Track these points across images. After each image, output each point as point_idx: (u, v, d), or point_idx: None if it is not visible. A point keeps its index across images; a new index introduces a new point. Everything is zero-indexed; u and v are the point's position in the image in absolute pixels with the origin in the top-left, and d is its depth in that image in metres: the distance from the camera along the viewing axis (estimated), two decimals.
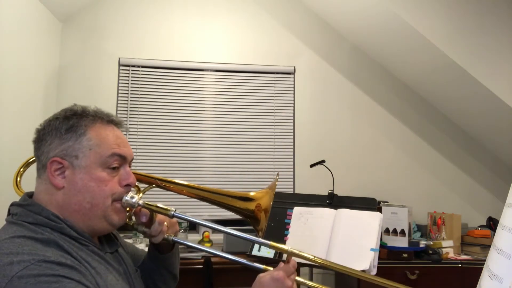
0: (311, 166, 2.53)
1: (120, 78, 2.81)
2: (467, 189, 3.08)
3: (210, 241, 2.61)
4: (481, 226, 2.77)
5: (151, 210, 0.94)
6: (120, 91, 2.80)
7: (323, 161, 2.51)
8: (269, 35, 3.02)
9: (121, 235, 1.14)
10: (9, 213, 0.85)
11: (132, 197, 0.90)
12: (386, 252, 2.32)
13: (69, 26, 2.84)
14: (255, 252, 1.94)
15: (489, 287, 0.59)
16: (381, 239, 2.08)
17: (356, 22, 2.83)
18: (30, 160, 1.03)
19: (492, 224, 2.77)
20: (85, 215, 0.85)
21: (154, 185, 1.02)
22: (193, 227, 2.88)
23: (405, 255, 2.31)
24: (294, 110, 2.98)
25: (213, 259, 2.23)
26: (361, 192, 2.81)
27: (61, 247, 0.77)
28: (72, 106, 0.91)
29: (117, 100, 2.79)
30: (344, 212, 1.81)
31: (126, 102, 2.81)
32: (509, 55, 2.50)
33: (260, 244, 0.92)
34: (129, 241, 1.66)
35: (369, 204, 1.86)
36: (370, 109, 3.07)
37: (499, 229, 0.65)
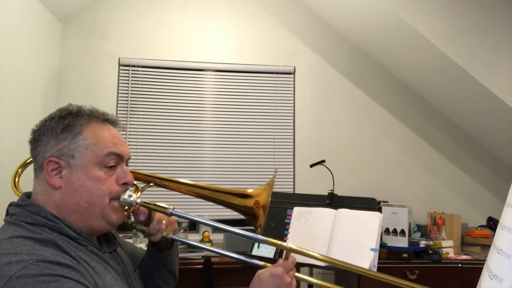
0: (311, 166, 2.53)
1: (120, 78, 2.81)
2: (467, 189, 3.08)
3: (210, 241, 2.61)
4: (481, 226, 2.77)
5: (149, 208, 0.94)
6: (120, 91, 2.80)
7: (323, 161, 2.51)
8: (269, 35, 3.02)
9: (121, 235, 1.14)
10: (7, 213, 0.85)
11: (130, 196, 0.90)
12: (386, 252, 2.32)
13: (69, 26, 2.84)
14: (255, 252, 1.94)
15: (489, 287, 0.59)
16: (381, 239, 2.08)
17: (356, 22, 2.83)
18: (28, 161, 1.03)
19: (492, 224, 2.77)
20: (83, 215, 0.84)
21: (152, 184, 1.02)
22: (193, 227, 2.88)
23: (405, 255, 2.31)
24: (294, 110, 2.98)
25: (213, 259, 2.23)
26: (361, 192, 2.81)
27: (59, 247, 0.77)
28: (67, 105, 0.91)
29: (117, 100, 2.79)
30: (344, 212, 1.81)
31: (126, 102, 2.81)
32: (509, 55, 2.50)
33: (259, 241, 0.92)
34: (129, 241, 1.66)
35: (369, 204, 1.86)
36: (370, 109, 3.07)
37: (499, 229, 0.65)
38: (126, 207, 0.93)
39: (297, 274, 0.91)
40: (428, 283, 0.90)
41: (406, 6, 2.42)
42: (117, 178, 0.89)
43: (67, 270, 0.73)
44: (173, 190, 1.03)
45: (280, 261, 0.87)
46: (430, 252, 2.36)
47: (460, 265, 2.35)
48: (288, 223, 1.79)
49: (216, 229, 2.89)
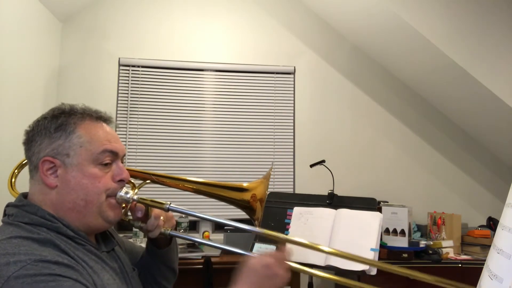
0: (311, 166, 2.53)
1: (120, 78, 2.80)
2: (467, 189, 3.08)
3: (210, 240, 2.60)
4: (481, 226, 2.77)
5: (146, 204, 0.94)
6: (120, 91, 2.80)
7: (323, 161, 2.51)
8: (269, 35, 3.02)
9: (122, 235, 1.14)
10: (4, 214, 0.85)
11: (126, 193, 0.90)
12: (386, 252, 2.32)
13: (69, 26, 2.84)
14: (255, 251, 1.93)
15: (489, 287, 0.59)
16: (381, 239, 2.08)
17: (356, 22, 2.83)
18: (24, 162, 1.02)
19: (492, 224, 2.77)
20: (80, 213, 0.84)
21: (148, 181, 1.02)
22: (193, 227, 2.88)
23: (405, 255, 2.31)
24: (294, 110, 2.98)
25: (213, 259, 2.23)
26: (361, 192, 2.81)
27: (57, 247, 0.77)
28: (60, 105, 0.91)
29: (117, 100, 2.79)
30: (344, 212, 1.81)
31: (126, 102, 2.80)
32: (509, 55, 2.50)
33: (255, 233, 0.93)
34: (129, 240, 1.66)
35: (369, 204, 1.86)
36: (370, 109, 3.07)
37: (499, 229, 0.65)
38: (124, 205, 0.93)
39: (294, 265, 0.88)
40: (428, 283, 0.90)
41: (406, 6, 2.42)
42: (113, 175, 0.89)
43: (65, 270, 0.73)
44: (170, 186, 1.03)
45: (274, 250, 0.85)
46: (430, 252, 2.36)
47: (460, 265, 2.35)
48: (288, 223, 1.79)
49: (216, 229, 2.89)
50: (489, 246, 0.68)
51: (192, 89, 2.89)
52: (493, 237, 0.67)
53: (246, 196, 1.01)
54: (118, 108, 2.79)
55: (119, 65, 2.80)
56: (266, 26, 3.02)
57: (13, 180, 1.03)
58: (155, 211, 0.96)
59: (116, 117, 2.76)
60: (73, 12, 2.82)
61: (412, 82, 3.05)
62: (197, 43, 2.95)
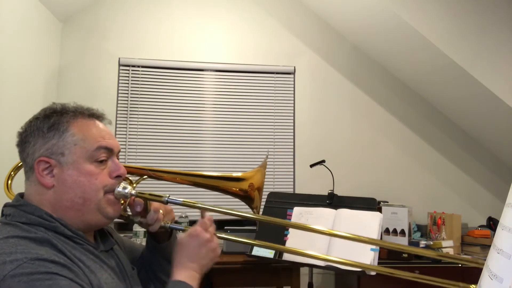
0: (311, 166, 2.53)
1: (120, 78, 2.80)
2: (467, 189, 3.08)
3: None
4: (481, 226, 2.77)
5: (144, 198, 0.95)
6: (120, 91, 2.80)
7: (323, 161, 2.51)
8: (269, 35, 3.02)
9: (122, 234, 1.14)
10: (2, 214, 0.85)
11: (124, 188, 0.90)
12: (386, 252, 2.32)
13: (69, 26, 2.84)
14: (255, 252, 1.93)
15: (489, 287, 0.59)
16: (381, 239, 2.08)
17: (356, 22, 2.83)
18: (20, 164, 1.02)
19: (492, 224, 2.77)
20: (79, 211, 0.84)
21: (146, 176, 1.02)
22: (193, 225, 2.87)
23: (405, 255, 2.31)
24: (294, 110, 2.98)
25: None
26: (361, 192, 2.81)
27: (54, 246, 0.77)
28: (51, 104, 0.91)
29: (117, 100, 2.79)
30: (344, 212, 1.81)
31: (126, 102, 2.81)
32: (509, 55, 2.50)
33: (250, 219, 0.96)
34: None
35: (369, 204, 1.87)
36: (370, 109, 3.07)
37: (499, 229, 0.65)
38: (122, 200, 0.93)
39: (217, 233, 0.96)
40: (428, 283, 0.90)
41: (406, 6, 2.42)
42: (110, 172, 0.89)
43: (61, 269, 0.73)
44: (167, 180, 1.03)
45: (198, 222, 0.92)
46: None
47: (460, 265, 2.35)
48: None
49: (216, 229, 2.88)
50: (489, 246, 0.68)
51: (192, 89, 2.89)
52: (493, 237, 0.67)
53: (244, 185, 1.02)
54: (118, 108, 2.79)
55: (119, 65, 2.80)
56: (266, 26, 3.02)
57: (9, 182, 1.03)
58: (154, 204, 0.97)
59: (116, 117, 2.76)
60: (73, 12, 2.82)
61: (412, 82, 3.05)
62: (197, 43, 2.95)
